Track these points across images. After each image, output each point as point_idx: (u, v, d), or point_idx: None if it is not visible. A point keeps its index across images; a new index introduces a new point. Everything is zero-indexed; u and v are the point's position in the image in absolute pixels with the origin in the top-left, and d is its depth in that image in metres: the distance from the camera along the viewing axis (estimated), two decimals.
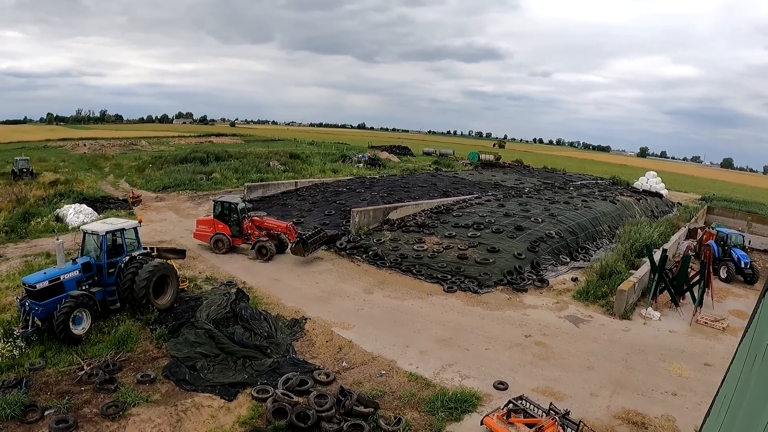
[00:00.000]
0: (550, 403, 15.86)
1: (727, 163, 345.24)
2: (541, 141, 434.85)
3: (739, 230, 45.37)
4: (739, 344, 8.61)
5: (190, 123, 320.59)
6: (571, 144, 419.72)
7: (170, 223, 40.91)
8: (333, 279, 29.77)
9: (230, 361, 19.51)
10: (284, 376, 18.16)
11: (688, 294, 29.31)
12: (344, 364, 20.00)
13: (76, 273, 21.05)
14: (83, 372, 17.55)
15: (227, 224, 33.51)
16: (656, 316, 27.28)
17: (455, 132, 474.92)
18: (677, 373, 21.09)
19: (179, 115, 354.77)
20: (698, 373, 21.06)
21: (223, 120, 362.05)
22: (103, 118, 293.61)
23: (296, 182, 58.42)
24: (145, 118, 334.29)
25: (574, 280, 31.99)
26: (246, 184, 54.44)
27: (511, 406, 15.47)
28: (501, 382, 19.03)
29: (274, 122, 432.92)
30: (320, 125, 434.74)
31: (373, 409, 16.62)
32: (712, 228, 44.90)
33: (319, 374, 18.76)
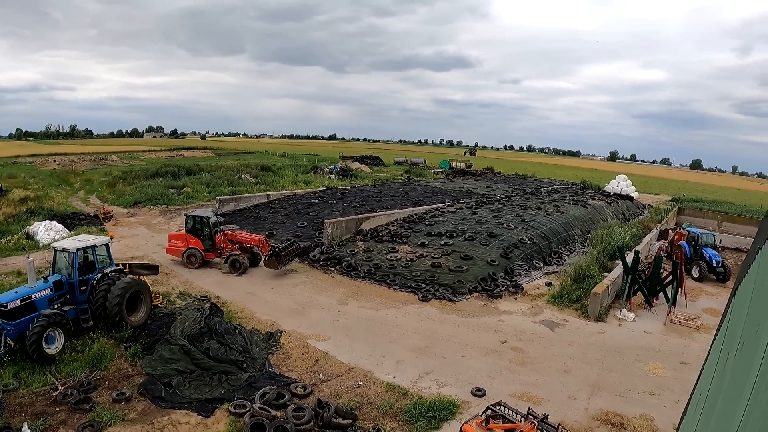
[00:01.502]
0: (529, 408, 15.88)
1: (696, 165, 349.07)
2: (512, 148, 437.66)
3: (710, 230, 46.04)
4: (713, 342, 8.71)
5: (161, 137, 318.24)
6: (542, 150, 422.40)
7: (142, 238, 40.56)
8: (307, 291, 29.67)
9: (206, 376, 19.35)
10: (261, 390, 18.04)
11: (661, 294, 29.65)
12: (321, 376, 19.92)
13: (48, 291, 20.77)
14: (58, 392, 17.31)
15: (200, 238, 33.28)
16: (631, 318, 27.50)
17: (426, 141, 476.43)
18: (654, 373, 21.27)
19: (149, 129, 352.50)
20: (674, 372, 21.25)
21: (194, 133, 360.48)
22: (72, 133, 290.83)
23: (268, 195, 58.14)
24: (115, 132, 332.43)
25: (548, 284, 32.17)
26: (218, 197, 54.19)
27: (489, 412, 15.44)
28: (479, 389, 19.06)
29: (245, 134, 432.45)
30: (291, 137, 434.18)
31: (351, 421, 16.58)
32: (683, 228, 45.38)
33: (296, 387, 18.66)
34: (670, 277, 29.43)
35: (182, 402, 17.59)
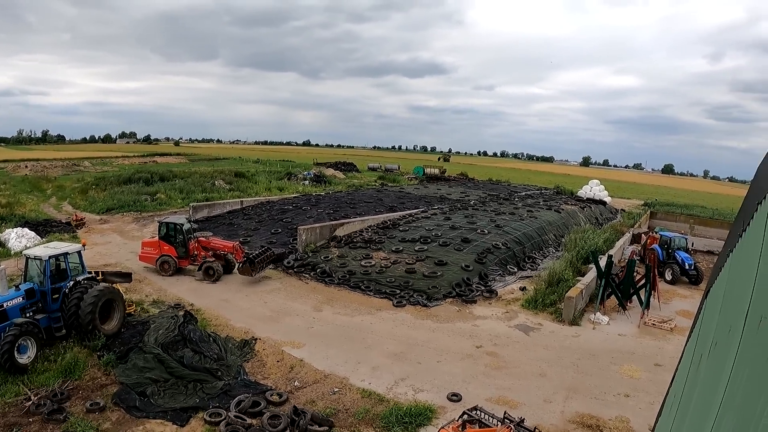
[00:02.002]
0: (505, 412, 15.94)
1: (668, 169, 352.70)
2: (485, 153, 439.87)
3: (682, 233, 46.53)
4: (686, 343, 8.78)
5: (134, 143, 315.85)
6: (515, 155, 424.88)
7: (115, 245, 40.24)
8: (282, 298, 29.59)
9: (181, 385, 19.22)
10: (236, 399, 17.94)
11: (635, 297, 29.92)
12: (296, 383, 19.87)
13: (20, 300, 20.51)
14: (30, 402, 17.11)
15: (173, 246, 33.08)
16: (605, 321, 27.76)
17: (400, 147, 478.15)
18: (629, 375, 21.47)
19: (122, 135, 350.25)
20: (649, 374, 21.48)
21: (168, 139, 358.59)
22: (44, 139, 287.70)
23: (242, 201, 57.93)
24: (87, 137, 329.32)
25: (523, 289, 32.33)
26: (191, 204, 53.80)
27: (465, 417, 15.48)
28: (455, 394, 19.11)
29: (218, 140, 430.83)
30: (265, 143, 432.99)
31: (327, 428, 16.58)
32: (656, 232, 45.98)
33: (271, 395, 18.59)
34: (643, 281, 29.74)
35: (157, 411, 17.47)
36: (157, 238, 33.93)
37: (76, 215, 49.75)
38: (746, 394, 3.73)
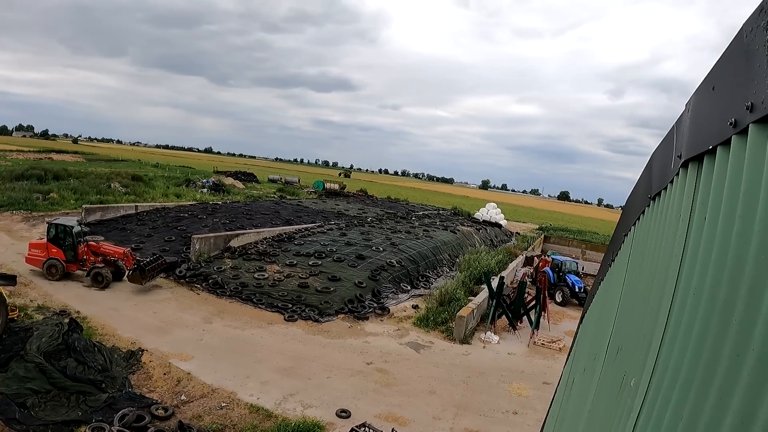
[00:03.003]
0: (393, 429, 16.16)
1: (564, 196, 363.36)
2: (387, 171, 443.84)
3: (574, 257, 48.11)
4: (564, 366, 9.15)
5: (31, 137, 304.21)
6: (416, 175, 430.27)
7: (1, 245, 38.59)
8: (172, 308, 29.07)
9: (63, 397, 18.64)
10: (120, 412, 17.49)
11: (525, 318, 30.72)
12: (183, 397, 19.54)
13: None
14: None
15: (62, 249, 31.95)
16: (495, 340, 28.39)
17: (303, 160, 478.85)
18: (517, 393, 22.02)
19: (19, 128, 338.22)
20: (537, 392, 22.08)
21: (66, 136, 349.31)
22: None
23: (137, 206, 56.34)
24: None
25: (415, 307, 32.70)
26: (84, 205, 52.20)
27: None
28: (344, 410, 19.14)
29: (119, 141, 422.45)
30: (167, 147, 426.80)
31: None
32: (548, 256, 47.33)
33: (156, 409, 18.21)
34: (533, 302, 30.60)
35: (37, 424, 16.87)
36: (45, 239, 32.88)
37: None
38: (602, 421, 3.97)
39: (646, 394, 2.73)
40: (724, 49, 2.35)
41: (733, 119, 2.13)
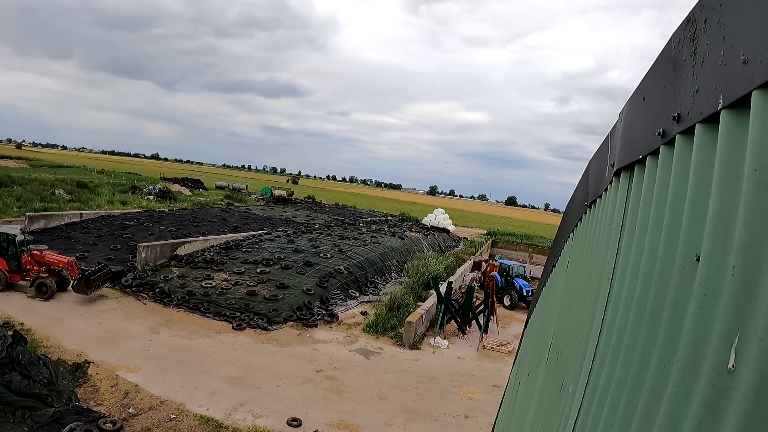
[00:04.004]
0: None
1: (511, 201, 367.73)
2: (335, 178, 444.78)
3: (521, 261, 48.61)
4: (510, 371, 9.24)
5: None
6: (364, 181, 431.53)
7: None
8: (118, 318, 28.60)
9: (8, 412, 18.21)
10: (67, 427, 17.14)
11: (474, 322, 30.95)
12: (131, 410, 19.22)
13: None
14: None
15: (4, 258, 31.29)
16: (445, 345, 28.52)
17: (250, 167, 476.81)
18: (468, 397, 22.17)
19: None
20: (488, 395, 22.22)
21: (9, 141, 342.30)
22: None
23: (81, 213, 55.26)
24: None
25: (364, 313, 32.69)
26: (27, 213, 51.15)
27: None
28: (294, 419, 19.03)
29: (63, 147, 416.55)
30: (112, 153, 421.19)
31: None
32: (496, 260, 47.74)
33: (104, 423, 17.87)
34: (482, 306, 30.86)
35: None
36: None
37: None
38: (544, 425, 3.99)
39: (582, 402, 2.75)
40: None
41: (661, 129, 2.15)
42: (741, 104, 1.43)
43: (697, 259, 1.58)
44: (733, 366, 1.23)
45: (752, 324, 1.19)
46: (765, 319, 1.15)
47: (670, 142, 2.07)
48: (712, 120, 1.64)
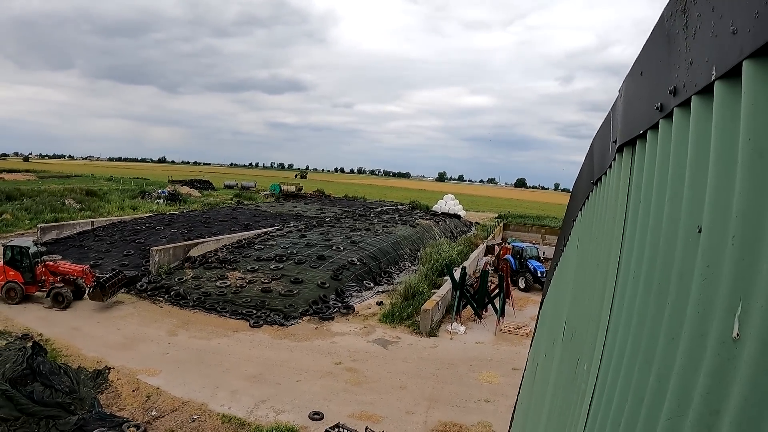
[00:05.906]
0: (366, 427, 16.16)
1: (520, 183, 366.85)
2: (342, 170, 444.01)
3: (534, 243, 48.48)
4: (528, 352, 9.25)
5: None
6: (372, 172, 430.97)
7: None
8: (135, 323, 28.72)
9: (33, 423, 18.30)
10: None
11: (490, 306, 30.92)
12: (154, 412, 19.33)
13: None
14: None
15: (20, 271, 31.40)
16: (462, 330, 28.50)
17: (258, 164, 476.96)
18: (488, 381, 22.15)
19: None
20: (507, 378, 22.12)
21: (17, 154, 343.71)
22: None
23: (93, 221, 55.61)
24: None
25: (380, 304, 32.74)
26: (39, 225, 51.37)
27: None
28: (316, 413, 19.07)
29: (71, 156, 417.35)
30: (120, 159, 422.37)
31: None
32: (509, 243, 47.64)
33: (128, 427, 17.98)
34: (497, 290, 30.78)
35: None
36: (1, 263, 32.32)
37: None
38: (561, 405, 4.00)
39: (597, 378, 2.76)
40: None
41: (659, 103, 2.16)
42: (733, 74, 1.44)
43: (699, 231, 1.58)
44: (737, 335, 1.24)
45: (754, 292, 1.20)
46: (766, 286, 1.16)
47: (669, 116, 2.07)
48: (706, 92, 1.65)
